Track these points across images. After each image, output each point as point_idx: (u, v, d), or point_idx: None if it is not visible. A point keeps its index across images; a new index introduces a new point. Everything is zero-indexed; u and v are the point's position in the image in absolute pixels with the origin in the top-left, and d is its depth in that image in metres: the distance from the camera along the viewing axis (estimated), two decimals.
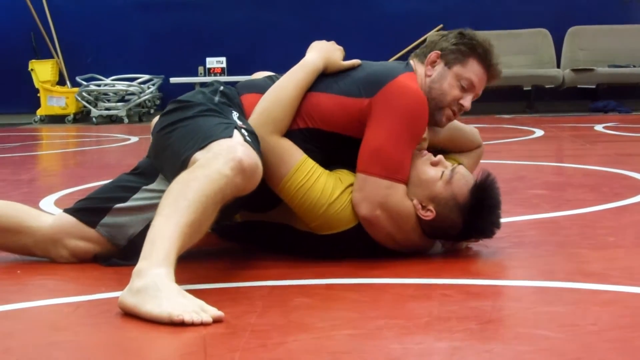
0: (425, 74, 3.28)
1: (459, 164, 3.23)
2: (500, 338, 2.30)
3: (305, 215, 3.12)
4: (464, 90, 3.26)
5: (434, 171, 3.12)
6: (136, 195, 3.23)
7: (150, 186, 3.22)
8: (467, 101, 3.25)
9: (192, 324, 2.39)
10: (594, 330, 2.33)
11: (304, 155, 3.14)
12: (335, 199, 3.09)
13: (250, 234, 3.38)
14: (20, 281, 3.04)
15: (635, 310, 2.56)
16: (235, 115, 3.11)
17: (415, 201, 3.10)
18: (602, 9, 12.81)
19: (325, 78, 3.28)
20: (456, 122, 3.43)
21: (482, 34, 3.38)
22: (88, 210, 3.25)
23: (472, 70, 3.28)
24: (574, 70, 12.00)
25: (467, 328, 2.37)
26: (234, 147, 2.82)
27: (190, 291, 2.74)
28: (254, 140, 2.99)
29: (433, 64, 3.29)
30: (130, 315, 2.49)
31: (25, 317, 2.60)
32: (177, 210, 2.65)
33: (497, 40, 12.46)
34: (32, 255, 3.29)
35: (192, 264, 3.12)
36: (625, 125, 9.64)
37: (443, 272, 2.99)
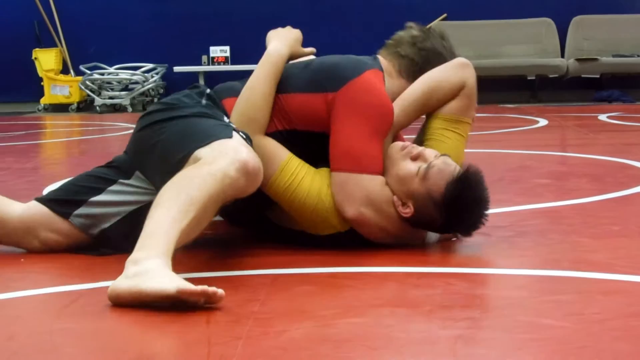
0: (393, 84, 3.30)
1: (443, 154, 3.11)
2: (504, 326, 2.30)
3: (295, 214, 3.11)
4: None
5: (412, 166, 3.05)
6: (112, 187, 3.18)
7: (127, 181, 3.18)
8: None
9: (199, 294, 2.39)
10: (597, 319, 2.32)
11: (289, 154, 3.12)
12: (326, 203, 3.07)
13: (255, 226, 3.37)
14: (24, 269, 3.04)
15: (639, 299, 2.55)
16: (225, 118, 3.11)
17: (395, 198, 3.06)
18: None
19: (288, 76, 3.25)
20: (426, 77, 3.30)
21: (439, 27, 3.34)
22: (61, 202, 3.20)
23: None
24: (578, 59, 11.97)
25: (471, 316, 2.37)
26: (238, 148, 2.82)
27: (193, 279, 2.74)
28: (249, 142, 2.98)
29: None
30: (122, 303, 2.46)
31: (29, 304, 2.60)
32: (179, 206, 2.63)
33: (501, 29, 12.50)
34: (4, 244, 3.23)
35: (195, 252, 3.11)
36: (629, 115, 9.62)
37: (446, 261, 2.99)
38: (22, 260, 3.13)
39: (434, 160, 3.04)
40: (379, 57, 3.36)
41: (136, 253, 2.55)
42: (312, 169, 3.14)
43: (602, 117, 9.38)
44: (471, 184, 3.00)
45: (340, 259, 3.02)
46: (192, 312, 2.40)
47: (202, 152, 2.83)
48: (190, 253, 3.09)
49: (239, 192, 2.80)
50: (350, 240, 3.11)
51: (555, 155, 6.35)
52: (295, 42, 3.33)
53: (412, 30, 3.44)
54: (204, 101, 3.18)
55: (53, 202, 3.21)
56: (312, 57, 3.41)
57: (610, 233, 3.45)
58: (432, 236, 3.23)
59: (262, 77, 3.19)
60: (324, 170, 3.14)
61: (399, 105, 3.22)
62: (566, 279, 2.77)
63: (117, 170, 3.23)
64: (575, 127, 8.56)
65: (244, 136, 2.97)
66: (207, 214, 2.72)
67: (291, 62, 3.34)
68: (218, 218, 3.54)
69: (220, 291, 2.44)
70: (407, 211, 3.04)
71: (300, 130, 3.18)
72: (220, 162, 2.74)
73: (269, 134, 3.17)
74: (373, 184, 3.06)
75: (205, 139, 2.88)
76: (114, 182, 3.20)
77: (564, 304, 2.48)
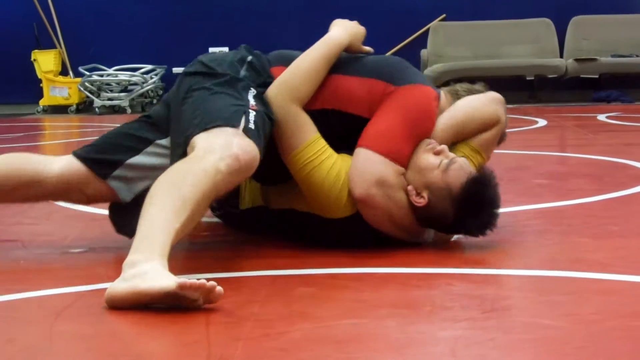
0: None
1: (465, 157, 3.18)
2: (503, 327, 2.30)
3: (308, 192, 3.12)
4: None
5: (433, 159, 3.09)
6: (148, 149, 3.20)
7: (162, 141, 3.20)
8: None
9: (199, 288, 2.39)
10: (596, 320, 2.33)
11: (318, 134, 3.14)
12: (340, 183, 3.08)
13: (254, 221, 3.37)
14: (24, 271, 3.04)
15: (637, 299, 2.56)
16: (251, 94, 3.09)
17: (410, 187, 3.08)
18: None
19: (348, 60, 3.30)
20: (465, 104, 3.33)
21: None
22: (100, 161, 3.21)
23: None
24: (577, 59, 11.97)
25: (470, 317, 2.37)
26: (230, 141, 2.80)
27: None
28: (260, 125, 2.96)
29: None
30: (120, 305, 2.46)
31: (28, 307, 2.60)
32: (172, 204, 2.62)
33: (500, 29, 12.50)
34: (50, 200, 3.34)
35: (195, 253, 3.12)
36: (628, 115, 9.62)
37: (446, 262, 2.99)
38: (21, 262, 3.13)
39: (456, 158, 3.09)
40: (442, 92, 3.38)
41: (132, 255, 2.54)
42: (335, 153, 3.15)
43: (601, 117, 9.39)
44: (489, 184, 3.06)
45: (340, 260, 3.02)
46: (192, 313, 2.40)
47: (198, 141, 2.83)
48: (189, 255, 3.10)
49: (230, 185, 2.80)
50: (354, 227, 3.12)
51: (555, 155, 6.36)
52: (358, 36, 3.35)
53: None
54: (242, 72, 3.19)
55: (92, 161, 3.21)
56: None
57: (609, 233, 3.45)
58: (429, 238, 3.23)
59: (315, 54, 3.22)
60: (346, 156, 3.15)
61: (438, 124, 3.26)
62: (565, 279, 2.78)
63: (153, 127, 3.25)
64: (574, 127, 8.56)
65: (254, 119, 2.95)
66: (200, 211, 2.71)
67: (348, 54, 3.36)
68: (216, 220, 3.56)
69: (219, 288, 2.44)
70: (421, 201, 3.06)
71: (346, 112, 3.21)
72: (210, 158, 2.73)
73: (307, 110, 3.17)
74: (391, 169, 3.07)
75: (209, 123, 2.89)
76: (150, 143, 3.22)
77: (563, 305, 2.48)
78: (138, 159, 3.21)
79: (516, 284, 2.81)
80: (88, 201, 3.29)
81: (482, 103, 3.33)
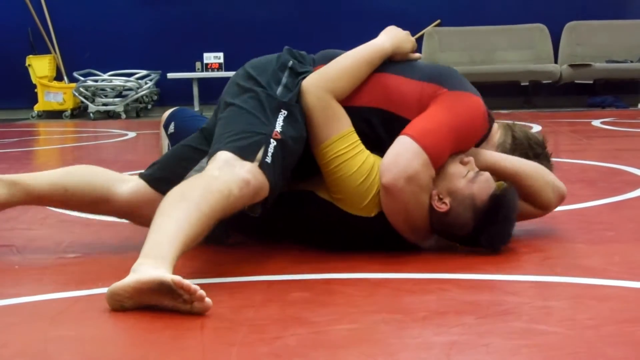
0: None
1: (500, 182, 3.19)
2: (498, 332, 2.30)
3: (333, 184, 3.11)
4: None
5: (460, 168, 3.10)
6: (205, 160, 3.21)
7: None
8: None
9: (190, 291, 2.41)
10: (591, 325, 2.33)
11: (351, 127, 3.14)
12: (370, 181, 3.07)
13: (262, 220, 3.35)
14: (18, 276, 3.03)
15: (633, 304, 2.56)
16: (282, 116, 3.08)
17: (434, 191, 3.08)
18: (600, 4, 12.80)
19: (399, 63, 3.30)
20: (540, 168, 3.41)
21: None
22: (163, 180, 3.24)
23: None
24: (571, 65, 11.99)
25: (465, 322, 2.37)
26: (243, 167, 2.87)
27: None
28: (278, 156, 2.98)
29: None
30: (119, 305, 2.48)
31: (23, 311, 2.60)
32: (187, 218, 2.66)
33: (494, 35, 12.51)
34: (116, 217, 3.37)
35: (190, 258, 3.11)
36: (622, 121, 9.63)
37: (440, 267, 2.99)
38: (16, 267, 3.13)
39: (483, 172, 3.12)
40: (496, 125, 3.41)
41: (141, 259, 2.56)
42: (366, 150, 3.14)
43: (596, 122, 9.40)
44: (512, 203, 3.09)
45: (335, 265, 3.02)
46: (187, 318, 2.41)
47: (218, 157, 2.90)
48: (185, 259, 3.08)
49: (238, 208, 2.85)
50: (370, 228, 3.12)
51: None
52: (404, 46, 3.33)
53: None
54: (284, 79, 3.20)
55: (156, 181, 3.28)
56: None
57: (604, 238, 3.46)
58: (430, 245, 3.23)
59: (356, 55, 3.23)
60: (378, 157, 3.13)
61: (509, 158, 3.32)
62: (560, 285, 2.78)
63: (207, 136, 3.30)
64: (568, 132, 8.57)
65: (272, 152, 2.97)
66: (209, 227, 2.75)
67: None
68: None
69: (208, 300, 2.45)
70: (443, 207, 3.06)
71: (390, 112, 3.20)
72: (226, 178, 2.80)
73: (350, 107, 3.17)
74: (426, 169, 3.04)
75: (231, 144, 2.94)
76: (206, 153, 3.22)
77: (558, 310, 2.48)
78: (198, 167, 3.25)
79: (511, 290, 2.81)
80: (145, 223, 3.28)
81: (554, 181, 3.43)
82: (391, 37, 3.32)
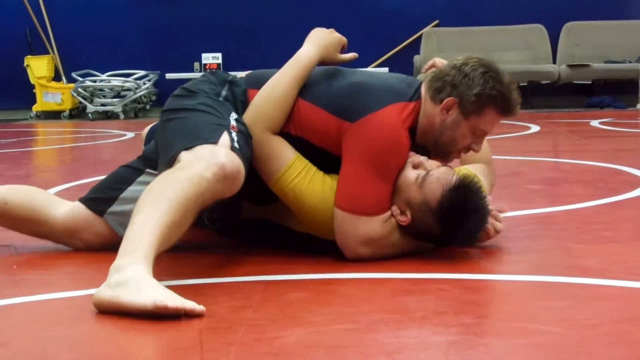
0: (438, 116, 3.14)
1: (446, 165, 3.13)
2: (496, 332, 2.30)
3: (300, 214, 3.11)
4: (475, 136, 3.17)
5: (412, 174, 3.05)
6: (140, 178, 3.27)
7: (154, 171, 3.19)
8: (477, 145, 3.19)
9: (176, 310, 2.39)
10: (590, 325, 2.33)
11: (296, 154, 3.10)
12: (329, 205, 3.06)
13: (252, 232, 3.36)
14: (16, 276, 3.03)
15: (631, 304, 2.56)
16: (233, 116, 3.08)
17: (394, 207, 3.05)
18: (598, 5, 12.82)
19: (313, 83, 3.21)
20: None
21: (502, 72, 3.22)
22: (97, 200, 3.32)
23: (488, 120, 3.16)
24: (569, 65, 12.00)
25: (463, 322, 2.37)
26: (216, 152, 2.82)
27: (186, 286, 2.75)
28: (243, 143, 2.97)
29: (448, 109, 3.13)
30: (106, 311, 2.47)
31: (22, 312, 2.60)
32: (158, 210, 2.64)
33: (493, 36, 12.52)
34: (51, 241, 3.36)
35: (188, 259, 3.12)
36: (621, 121, 9.64)
37: (439, 267, 2.98)
38: (14, 267, 3.13)
39: (434, 169, 3.04)
40: (422, 89, 3.22)
41: (118, 260, 2.55)
42: (319, 171, 3.12)
43: (594, 123, 9.40)
44: (468, 193, 2.98)
45: (333, 265, 3.02)
46: (185, 318, 2.40)
47: (183, 155, 2.86)
48: (183, 260, 3.09)
49: (217, 194, 2.80)
50: None
51: (548, 161, 6.36)
52: (330, 48, 3.28)
53: (461, 65, 3.23)
54: (223, 92, 3.20)
55: (91, 200, 3.33)
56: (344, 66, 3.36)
57: (602, 239, 3.46)
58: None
59: (285, 78, 3.17)
60: (335, 178, 3.10)
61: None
62: (559, 285, 2.78)
63: (145, 160, 3.32)
64: (567, 133, 8.57)
65: (237, 137, 2.96)
66: (187, 217, 2.71)
67: (323, 67, 3.31)
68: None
69: (200, 307, 2.44)
70: (404, 219, 3.04)
71: (312, 143, 3.15)
72: (196, 166, 2.76)
73: (283, 134, 3.15)
74: (371, 224, 3.03)
75: (191, 141, 2.90)
76: (141, 172, 3.29)
77: (556, 310, 2.48)
78: (131, 189, 3.26)
79: (509, 289, 2.81)
80: (85, 247, 3.32)
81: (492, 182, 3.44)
82: (315, 44, 3.25)
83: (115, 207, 3.27)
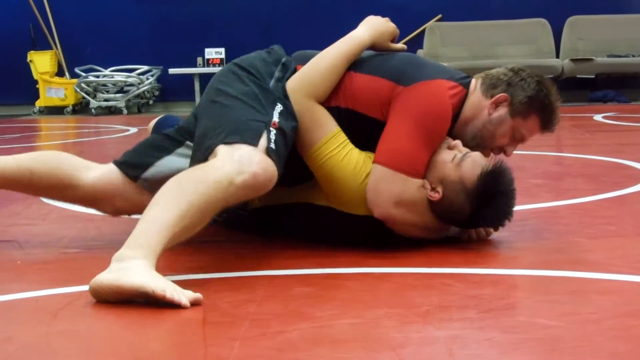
0: (486, 109, 3.22)
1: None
2: (500, 327, 2.30)
3: (328, 187, 3.11)
4: (513, 139, 3.26)
5: (447, 154, 3.10)
6: (180, 150, 3.26)
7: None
8: (511, 149, 3.27)
9: (172, 302, 2.41)
10: (593, 319, 2.33)
11: (338, 128, 3.13)
12: (362, 179, 3.08)
13: (259, 223, 3.36)
14: (20, 271, 3.04)
15: (635, 298, 2.56)
16: (277, 109, 3.06)
17: (425, 181, 3.08)
18: None
19: (371, 56, 3.28)
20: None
21: (555, 90, 3.34)
22: (132, 165, 3.28)
23: (530, 127, 3.27)
24: (573, 60, 11.98)
25: (467, 317, 2.37)
26: (252, 157, 2.80)
27: (190, 281, 2.75)
28: (280, 144, 2.96)
29: (498, 105, 3.23)
30: (103, 297, 2.50)
31: (26, 306, 2.60)
32: (176, 208, 2.63)
33: (496, 30, 12.50)
34: (81, 206, 3.38)
35: (192, 253, 3.12)
36: (624, 115, 9.63)
37: (443, 262, 2.98)
38: (18, 262, 3.13)
39: (471, 152, 3.09)
40: (474, 81, 3.30)
41: (124, 250, 2.57)
42: (356, 148, 3.13)
43: (598, 117, 9.40)
44: (503, 178, 3.04)
45: (337, 260, 3.02)
46: (188, 312, 2.41)
47: (220, 151, 2.84)
48: (187, 254, 3.09)
49: (243, 199, 2.82)
50: (376, 226, 3.10)
51: (551, 155, 6.36)
52: (382, 35, 3.32)
53: (520, 71, 3.35)
54: (277, 73, 3.20)
55: (125, 164, 3.30)
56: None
57: (606, 233, 3.45)
58: (450, 231, 3.23)
59: (335, 51, 3.21)
60: (370, 155, 3.13)
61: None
62: (562, 279, 2.78)
63: (184, 131, 3.30)
64: (570, 127, 8.56)
65: (274, 139, 2.94)
66: (203, 219, 2.72)
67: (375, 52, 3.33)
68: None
69: (196, 296, 2.47)
70: (436, 195, 3.06)
71: (358, 112, 3.18)
72: (228, 169, 2.74)
73: (331, 108, 3.17)
74: (407, 184, 3.05)
75: (231, 135, 2.89)
76: (181, 143, 3.27)
77: (560, 304, 2.48)
78: (168, 159, 3.26)
79: (513, 284, 2.81)
80: (115, 212, 3.32)
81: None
82: (370, 28, 3.31)
83: (149, 173, 3.25)
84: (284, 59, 3.28)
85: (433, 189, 3.07)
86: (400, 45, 3.38)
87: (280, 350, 2.13)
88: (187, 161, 3.19)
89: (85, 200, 3.31)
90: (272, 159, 2.87)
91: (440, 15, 12.74)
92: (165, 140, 3.31)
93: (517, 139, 3.27)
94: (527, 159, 5.91)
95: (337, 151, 3.10)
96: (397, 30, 3.38)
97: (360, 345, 2.16)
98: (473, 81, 3.30)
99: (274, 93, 3.13)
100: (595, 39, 12.45)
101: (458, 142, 3.14)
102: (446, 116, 3.13)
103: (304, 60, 3.28)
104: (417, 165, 3.08)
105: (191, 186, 2.69)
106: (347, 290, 2.70)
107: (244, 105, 3.05)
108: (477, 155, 3.10)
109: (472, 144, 3.21)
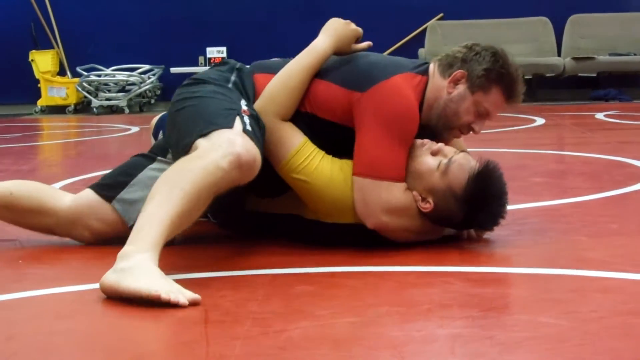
0: (445, 89, 3.18)
1: (462, 150, 3.16)
2: (502, 325, 2.31)
3: (308, 199, 3.11)
4: (479, 115, 3.20)
5: (432, 161, 3.07)
6: (152, 165, 3.29)
7: (166, 159, 3.27)
8: (479, 126, 3.21)
9: (168, 302, 2.42)
10: (595, 317, 2.33)
11: (305, 139, 3.13)
12: (342, 187, 3.07)
13: (256, 224, 3.36)
14: (22, 271, 3.04)
15: (636, 297, 2.56)
16: (243, 102, 3.10)
17: (415, 193, 3.07)
18: None
19: (332, 63, 3.26)
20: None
21: (511, 58, 3.27)
22: (107, 186, 3.31)
23: (493, 100, 3.20)
24: (574, 58, 11.97)
25: (469, 315, 2.37)
26: (233, 140, 2.83)
27: (191, 280, 2.76)
28: (256, 128, 2.99)
29: (456, 82, 3.19)
30: (110, 296, 2.53)
31: (28, 306, 2.60)
32: (170, 199, 2.68)
33: (498, 28, 12.49)
34: (56, 235, 3.34)
35: (193, 252, 3.12)
36: (626, 114, 9.63)
37: (444, 260, 2.99)
38: (20, 262, 3.13)
39: (455, 156, 3.07)
40: (431, 65, 3.27)
41: (126, 247, 2.62)
42: (328, 156, 3.14)
43: (599, 115, 9.39)
44: (492, 179, 3.04)
45: (339, 258, 3.02)
46: (190, 311, 2.41)
47: (199, 143, 2.87)
48: (189, 253, 3.10)
49: (232, 183, 2.82)
50: (363, 231, 3.11)
51: (553, 153, 6.35)
52: (345, 40, 3.29)
53: (474, 46, 3.30)
54: (232, 78, 3.22)
55: (100, 186, 3.33)
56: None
57: (607, 231, 3.45)
58: (448, 231, 3.23)
59: (298, 67, 3.20)
60: (343, 161, 3.13)
61: None
62: (564, 277, 2.78)
63: (157, 148, 3.36)
64: (572, 125, 8.56)
65: (249, 122, 2.97)
66: (199, 206, 2.75)
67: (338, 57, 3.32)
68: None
69: (195, 297, 2.47)
70: (427, 206, 3.05)
71: (319, 117, 3.18)
72: (214, 155, 2.77)
73: (297, 112, 3.18)
74: (393, 191, 3.05)
75: (206, 127, 2.91)
76: (153, 159, 3.31)
77: (561, 302, 2.48)
78: (142, 176, 3.28)
79: (515, 282, 2.81)
80: (92, 236, 3.30)
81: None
82: (331, 35, 3.27)
83: (124, 195, 3.27)
84: (237, 65, 3.31)
85: (423, 199, 3.07)
86: (364, 44, 3.33)
87: (282, 348, 2.13)
88: (158, 174, 3.19)
89: (61, 226, 3.30)
90: (252, 139, 2.88)
91: (441, 14, 12.73)
92: (138, 160, 3.35)
93: (483, 114, 3.20)
94: (528, 157, 5.91)
95: (307, 162, 3.09)
96: (360, 31, 3.33)
97: (361, 343, 2.16)
98: (431, 65, 3.26)
99: (235, 91, 3.16)
100: (597, 37, 12.44)
101: (440, 146, 3.11)
102: (412, 113, 3.11)
103: (263, 67, 3.31)
104: (397, 169, 3.07)
105: (179, 175, 2.74)
106: (348, 289, 2.70)
107: (211, 99, 3.08)
108: (462, 158, 3.07)
109: (439, 126, 3.19)
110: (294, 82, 3.18)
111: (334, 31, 3.29)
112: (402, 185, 3.08)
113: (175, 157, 2.98)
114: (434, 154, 3.10)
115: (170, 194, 2.69)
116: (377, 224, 3.06)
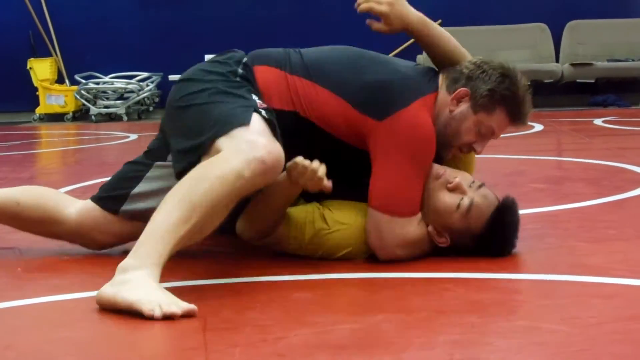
0: (448, 107, 3.09)
1: (480, 184, 3.08)
2: (501, 331, 2.30)
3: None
4: (480, 135, 3.11)
5: (450, 199, 3.02)
6: (150, 173, 3.21)
7: (164, 163, 3.17)
8: (480, 146, 3.12)
9: (164, 317, 2.39)
10: (595, 323, 2.33)
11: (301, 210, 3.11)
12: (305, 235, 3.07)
13: None
14: (21, 278, 3.04)
15: (636, 302, 2.56)
16: (254, 96, 2.98)
17: (430, 227, 3.04)
18: (601, 3, 12.80)
19: (335, 72, 3.13)
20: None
21: (521, 78, 3.21)
22: (109, 198, 3.25)
23: (496, 121, 3.12)
24: (573, 64, 11.98)
25: (468, 322, 2.37)
26: (256, 142, 2.70)
27: (190, 287, 2.75)
28: (273, 118, 2.89)
29: (459, 100, 3.09)
30: (107, 309, 2.50)
31: (27, 314, 2.60)
32: (179, 211, 2.59)
33: (495, 35, 12.51)
34: (64, 240, 3.32)
35: (193, 259, 3.11)
36: (624, 119, 9.63)
37: (443, 266, 2.98)
38: (19, 269, 3.13)
39: (474, 196, 3.02)
40: (440, 77, 3.19)
41: (128, 259, 2.56)
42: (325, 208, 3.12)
43: (598, 121, 9.39)
44: (509, 218, 3.05)
45: (338, 265, 3.01)
46: (189, 319, 2.40)
47: (221, 144, 2.74)
48: (188, 261, 3.09)
49: (255, 188, 2.74)
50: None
51: (551, 159, 6.36)
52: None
53: (483, 64, 3.21)
54: (239, 71, 3.08)
55: (102, 200, 3.26)
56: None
57: (606, 237, 3.45)
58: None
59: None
60: (322, 208, 3.11)
61: None
62: (563, 283, 2.77)
63: (151, 153, 3.25)
64: (570, 131, 8.57)
65: (266, 116, 2.86)
66: (212, 219, 2.66)
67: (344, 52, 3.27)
68: None
69: (190, 307, 2.44)
70: (443, 241, 3.05)
71: (318, 126, 3.07)
72: (233, 162, 2.64)
73: (288, 112, 3.05)
74: (407, 226, 3.02)
75: (225, 125, 2.78)
76: (150, 166, 3.22)
77: (561, 308, 2.48)
78: (141, 187, 3.21)
79: (514, 288, 2.81)
80: (100, 246, 3.29)
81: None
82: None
83: (127, 206, 3.20)
84: (244, 59, 3.16)
85: (439, 233, 3.06)
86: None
87: (281, 355, 2.12)
88: (158, 183, 3.17)
89: (70, 234, 3.28)
90: (274, 135, 2.80)
91: (440, 20, 12.60)
92: (133, 169, 3.27)
93: (484, 135, 3.12)
94: (527, 163, 5.91)
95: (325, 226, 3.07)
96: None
97: (360, 350, 2.16)
98: (440, 77, 3.19)
99: (243, 84, 3.04)
100: (595, 43, 12.45)
101: (458, 182, 3.02)
102: (431, 139, 3.02)
103: (262, 60, 3.18)
104: (413, 205, 3.03)
105: (193, 186, 2.62)
106: (347, 296, 2.70)
107: (223, 96, 2.95)
108: (482, 199, 3.02)
109: (438, 144, 3.06)
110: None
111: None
112: (417, 217, 3.05)
113: (178, 159, 2.90)
114: (451, 189, 3.03)
115: (181, 204, 2.59)
116: (390, 257, 3.04)
